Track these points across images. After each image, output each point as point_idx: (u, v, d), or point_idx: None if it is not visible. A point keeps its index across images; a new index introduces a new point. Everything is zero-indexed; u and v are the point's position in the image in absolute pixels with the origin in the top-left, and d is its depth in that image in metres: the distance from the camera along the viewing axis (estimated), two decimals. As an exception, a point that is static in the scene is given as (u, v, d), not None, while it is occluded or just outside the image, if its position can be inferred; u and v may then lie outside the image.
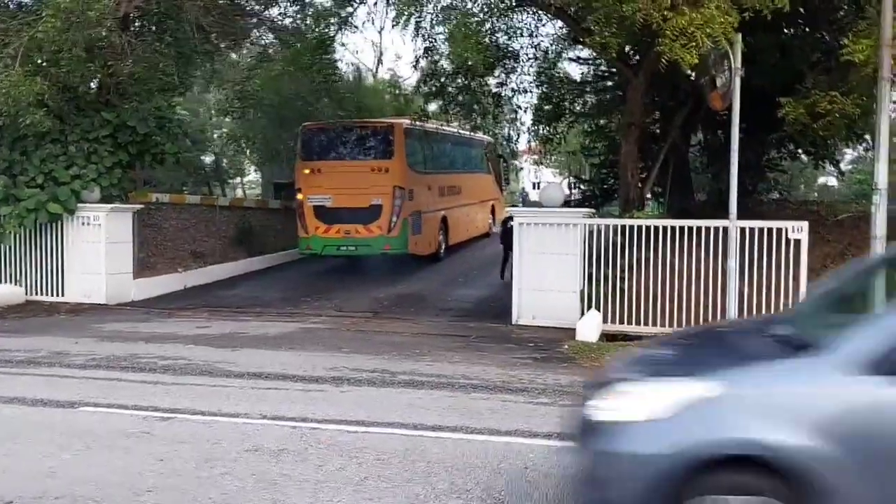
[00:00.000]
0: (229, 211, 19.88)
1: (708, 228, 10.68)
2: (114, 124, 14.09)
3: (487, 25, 11.88)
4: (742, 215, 10.69)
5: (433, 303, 13.91)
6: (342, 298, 14.36)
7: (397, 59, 68.78)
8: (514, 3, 13.41)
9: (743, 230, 10.17)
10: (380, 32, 22.27)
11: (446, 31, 10.81)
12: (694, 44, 8.36)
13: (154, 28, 15.18)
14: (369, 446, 5.63)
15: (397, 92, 23.60)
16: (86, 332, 11.09)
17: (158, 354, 9.26)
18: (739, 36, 8.80)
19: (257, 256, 18.62)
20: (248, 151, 23.77)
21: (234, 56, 17.54)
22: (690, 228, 10.83)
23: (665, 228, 10.98)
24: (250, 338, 10.59)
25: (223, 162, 38.65)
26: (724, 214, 10.69)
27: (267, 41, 16.52)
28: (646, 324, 10.99)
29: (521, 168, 25.89)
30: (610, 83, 15.92)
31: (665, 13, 8.54)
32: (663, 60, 8.82)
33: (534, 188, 42.04)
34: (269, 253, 19.13)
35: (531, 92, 15.28)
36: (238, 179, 53.53)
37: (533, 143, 18.42)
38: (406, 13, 10.89)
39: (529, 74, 15.29)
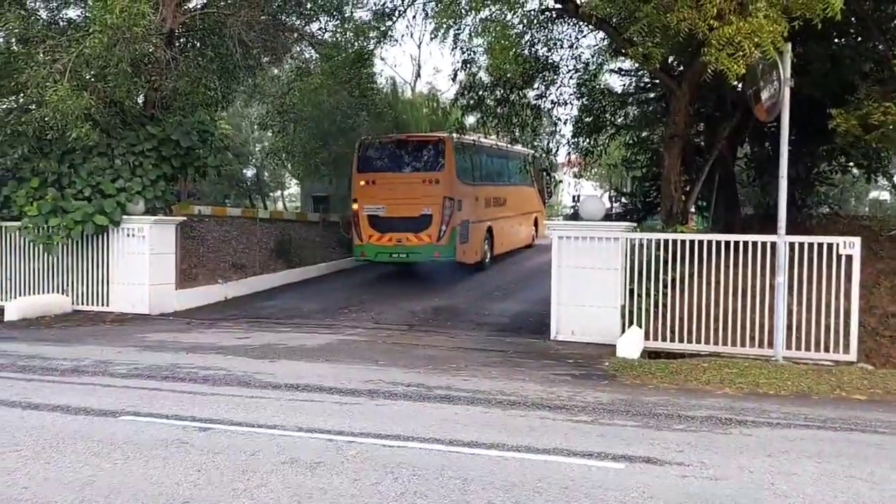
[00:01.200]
0: (269, 223, 20.08)
1: (755, 243, 10.43)
2: (158, 138, 14.32)
3: (527, 37, 11.80)
4: (791, 230, 10.48)
5: (470, 317, 13.81)
6: (379, 311, 14.34)
7: (436, 73, 68.76)
8: (553, 15, 13.33)
9: (792, 245, 9.90)
10: (419, 46, 22.47)
11: (485, 42, 10.74)
12: (741, 53, 8.16)
13: (198, 44, 15.42)
14: (405, 461, 5.54)
15: (435, 105, 23.76)
16: (129, 341, 11.23)
17: (199, 365, 9.30)
18: (788, 45, 8.58)
19: (296, 268, 18.73)
20: (288, 165, 24.01)
21: (275, 71, 17.75)
22: (737, 243, 10.57)
23: (710, 243, 10.73)
24: (288, 349, 10.60)
25: (264, 175, 39.20)
26: (771, 229, 10.56)
27: (308, 56, 16.68)
28: (689, 341, 10.77)
29: (560, 181, 26.11)
30: (652, 95, 15.70)
31: (711, 23, 8.36)
32: (709, 71, 8.62)
33: (573, 201, 41.75)
34: (307, 265, 19.24)
35: (571, 104, 15.13)
36: (279, 192, 54.37)
37: (573, 156, 18.30)
38: (444, 25, 10.86)
39: (569, 86, 15.17)
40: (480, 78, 14.21)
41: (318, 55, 15.99)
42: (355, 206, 17.46)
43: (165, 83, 13.57)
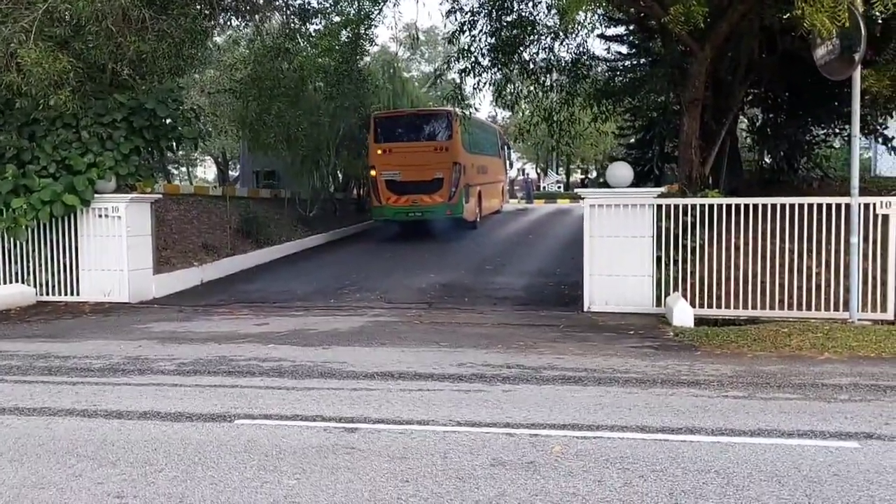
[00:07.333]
0: (222, 201, 18.77)
1: (793, 206, 10.38)
2: (128, 107, 12.86)
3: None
4: (786, 192, 10.64)
5: (482, 292, 13.27)
6: (383, 289, 13.55)
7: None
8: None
9: (828, 207, 10.05)
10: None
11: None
12: (840, 7, 7.86)
13: (166, 4, 13.87)
14: (623, 455, 4.93)
15: (392, 73, 23.07)
16: (135, 333, 10.02)
17: (248, 356, 8.33)
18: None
19: (265, 248, 17.56)
20: (238, 138, 22.64)
21: (246, 33, 16.40)
22: (783, 206, 10.38)
23: (746, 207, 10.68)
24: (324, 334, 9.71)
25: (178, 151, 36.96)
26: (773, 191, 11.13)
27: (281, 20, 15.42)
28: (727, 307, 10.75)
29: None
30: (644, 60, 15.45)
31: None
32: (804, 25, 8.27)
33: (519, 175, 41.95)
34: (274, 244, 18.09)
35: (567, 69, 14.68)
36: (184, 170, 51.85)
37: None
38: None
39: (564, 52, 14.75)
40: (481, 39, 13.58)
41: (298, 21, 14.77)
42: (373, 173, 19.68)
43: (140, 46, 12.06)
